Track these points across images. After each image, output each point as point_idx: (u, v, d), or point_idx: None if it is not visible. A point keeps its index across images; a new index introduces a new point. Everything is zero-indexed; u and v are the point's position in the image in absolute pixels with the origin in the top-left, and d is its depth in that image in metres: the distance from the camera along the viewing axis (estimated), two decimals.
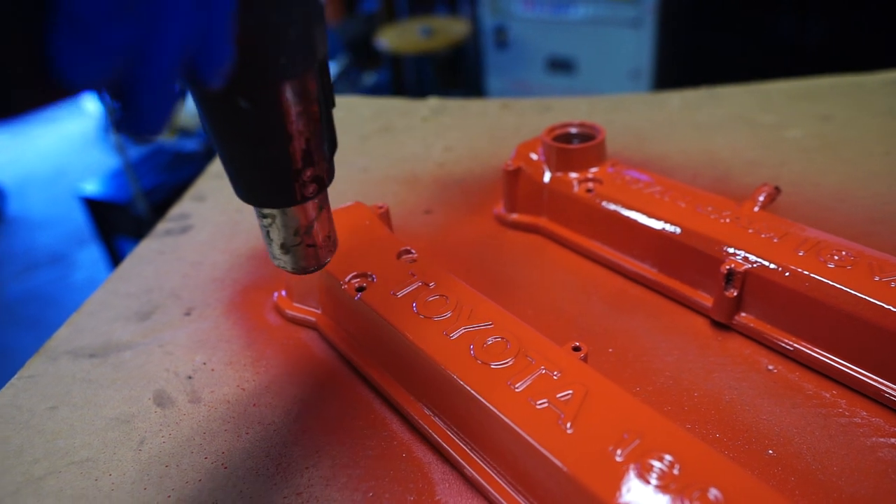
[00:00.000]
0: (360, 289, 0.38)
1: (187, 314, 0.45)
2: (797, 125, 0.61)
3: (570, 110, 0.71)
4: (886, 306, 0.33)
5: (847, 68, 0.70)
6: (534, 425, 0.28)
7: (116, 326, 0.44)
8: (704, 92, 0.71)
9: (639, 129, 0.65)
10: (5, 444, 0.36)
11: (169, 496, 0.32)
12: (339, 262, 0.40)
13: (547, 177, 0.49)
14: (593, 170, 0.48)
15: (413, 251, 0.41)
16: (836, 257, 0.36)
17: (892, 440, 0.32)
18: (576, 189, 0.47)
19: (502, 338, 0.33)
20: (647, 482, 0.25)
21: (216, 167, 0.66)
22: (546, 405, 0.29)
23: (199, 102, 0.26)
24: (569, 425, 0.28)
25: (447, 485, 0.32)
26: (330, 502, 0.32)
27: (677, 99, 0.70)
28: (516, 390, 0.30)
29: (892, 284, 0.34)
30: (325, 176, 0.30)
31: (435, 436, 0.33)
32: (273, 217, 0.31)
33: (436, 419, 0.34)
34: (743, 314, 0.39)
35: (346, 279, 0.39)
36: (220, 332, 0.43)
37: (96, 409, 0.38)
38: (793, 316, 0.37)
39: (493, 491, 0.30)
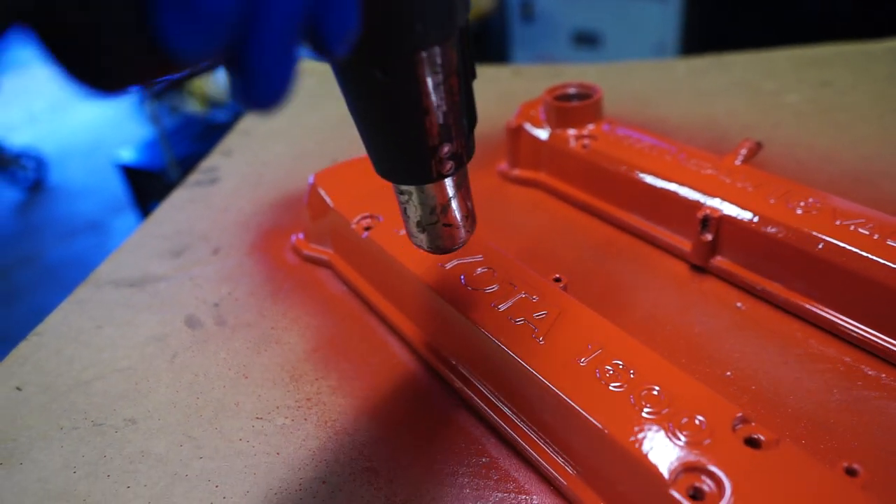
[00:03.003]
0: (368, 228, 0.43)
1: (215, 253, 0.50)
2: (796, 91, 0.63)
3: (580, 76, 0.73)
4: (843, 245, 0.36)
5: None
6: (510, 338, 0.32)
7: (152, 262, 0.49)
8: (711, 59, 0.73)
9: (643, 94, 0.68)
10: (58, 354, 0.41)
11: (197, 398, 0.37)
12: (349, 205, 0.44)
13: (546, 134, 0.53)
14: (590, 127, 0.51)
15: None
16: (802, 204, 0.39)
17: (841, 367, 0.35)
18: (572, 144, 0.51)
19: (490, 268, 0.37)
20: (605, 382, 0.29)
21: (244, 125, 0.71)
22: (523, 322, 0.33)
23: (335, 71, 0.25)
24: (541, 338, 0.32)
25: (437, 395, 0.36)
26: (335, 407, 0.36)
27: (683, 66, 0.73)
28: (498, 310, 0.34)
29: (851, 227, 0.37)
30: (464, 153, 0.29)
31: (428, 353, 0.38)
32: (409, 194, 0.29)
33: (430, 340, 0.38)
34: (718, 257, 0.42)
35: (355, 220, 0.43)
36: (244, 268, 0.48)
37: (135, 329, 0.43)
38: (762, 258, 0.40)
39: (476, 398, 0.35)
